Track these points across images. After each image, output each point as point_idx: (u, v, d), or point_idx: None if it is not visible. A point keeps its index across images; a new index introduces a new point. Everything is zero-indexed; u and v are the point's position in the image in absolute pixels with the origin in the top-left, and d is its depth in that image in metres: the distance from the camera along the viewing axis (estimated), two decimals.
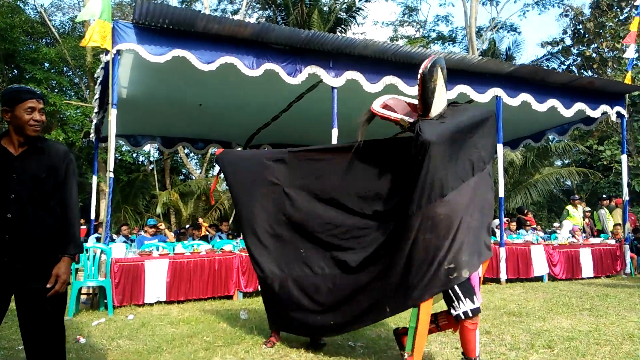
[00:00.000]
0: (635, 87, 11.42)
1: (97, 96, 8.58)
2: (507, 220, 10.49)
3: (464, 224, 2.99)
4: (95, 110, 9.15)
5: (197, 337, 4.31)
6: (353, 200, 3.50)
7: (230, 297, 6.68)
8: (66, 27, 20.53)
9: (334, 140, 7.44)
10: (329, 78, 7.41)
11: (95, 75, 8.09)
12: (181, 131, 11.56)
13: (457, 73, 8.12)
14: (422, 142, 2.97)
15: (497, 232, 8.61)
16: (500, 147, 8.65)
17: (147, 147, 18.26)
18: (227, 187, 4.04)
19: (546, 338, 4.05)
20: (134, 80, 7.88)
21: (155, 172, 21.27)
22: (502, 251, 8.21)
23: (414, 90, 7.68)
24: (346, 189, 3.56)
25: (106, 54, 6.76)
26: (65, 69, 19.65)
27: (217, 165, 4.32)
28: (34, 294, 2.26)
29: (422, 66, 3.12)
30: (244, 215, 3.91)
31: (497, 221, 8.75)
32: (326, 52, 7.37)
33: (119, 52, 6.50)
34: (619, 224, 10.04)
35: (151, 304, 6.18)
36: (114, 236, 9.27)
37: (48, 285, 2.26)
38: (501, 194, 8.66)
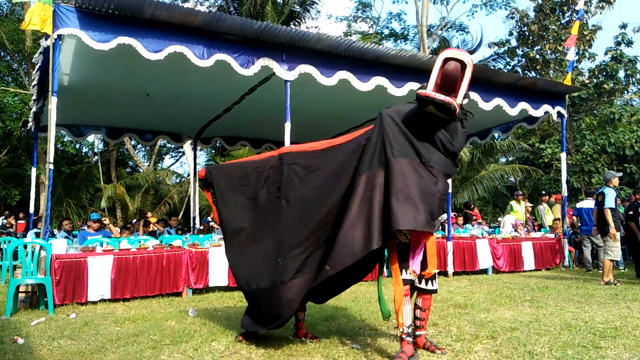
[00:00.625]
0: (574, 88, 12.04)
1: (35, 82, 8.10)
2: (454, 215, 10.82)
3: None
4: (34, 97, 8.66)
5: (143, 335, 4.17)
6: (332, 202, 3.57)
7: (179, 294, 6.52)
8: (4, 9, 19.30)
9: (287, 134, 7.38)
10: (282, 71, 7.34)
11: (34, 60, 7.63)
12: (128, 122, 11.12)
13: (408, 70, 8.25)
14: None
15: (446, 226, 8.86)
16: None
17: (90, 138, 17.54)
18: (216, 201, 4.04)
19: (490, 329, 4.20)
20: (76, 67, 7.50)
21: (100, 164, 20.45)
22: (450, 245, 8.46)
23: (367, 85, 7.82)
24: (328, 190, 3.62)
25: (46, 39, 6.39)
26: (2, 53, 18.51)
27: (201, 181, 4.30)
28: None
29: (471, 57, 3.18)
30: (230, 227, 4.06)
31: (445, 216, 9.00)
32: (279, 44, 7.29)
33: (60, 37, 6.16)
34: (559, 219, 10.57)
35: (95, 302, 5.93)
36: (55, 231, 8.81)
37: None
38: (449, 189, 8.90)
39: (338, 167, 3.62)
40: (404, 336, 3.31)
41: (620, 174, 8.10)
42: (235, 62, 6.99)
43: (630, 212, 8.27)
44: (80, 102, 9.17)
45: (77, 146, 20.14)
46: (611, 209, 7.39)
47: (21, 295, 6.03)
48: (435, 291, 3.54)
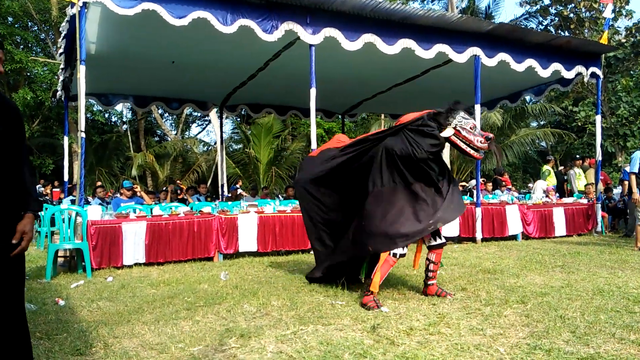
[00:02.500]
0: (610, 47, 11.49)
1: (61, 50, 8.16)
2: (483, 181, 10.66)
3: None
4: (62, 66, 8.76)
5: (178, 297, 4.31)
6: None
7: (210, 259, 6.68)
8: None
9: (312, 101, 7.32)
10: (306, 35, 7.21)
11: (60, 29, 7.69)
12: (154, 90, 11.22)
13: (436, 31, 8.01)
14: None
15: (474, 192, 8.75)
16: (477, 107, 8.66)
17: (119, 107, 17.81)
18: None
19: (520, 294, 4.17)
20: (102, 35, 7.53)
21: (129, 133, 20.81)
22: (478, 211, 8.37)
23: (393, 48, 7.64)
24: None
25: (72, 7, 6.42)
26: (30, 23, 18.73)
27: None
28: None
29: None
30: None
31: (473, 182, 8.87)
32: (303, 7, 7.14)
33: (85, 4, 6.18)
34: (592, 184, 10.30)
35: (130, 266, 6.14)
36: (89, 199, 9.09)
37: (14, 241, 2.15)
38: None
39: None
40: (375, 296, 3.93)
41: None
42: (258, 28, 6.91)
43: None
44: (108, 71, 9.26)
45: (107, 115, 20.50)
46: (636, 173, 7.12)
47: (60, 260, 6.28)
48: (445, 244, 4.26)
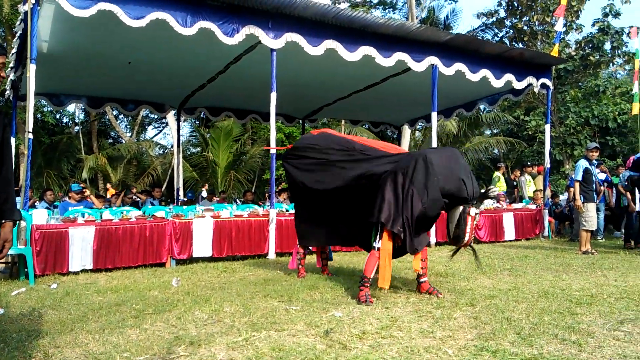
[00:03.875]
0: (560, 59, 12.03)
1: (14, 50, 7.85)
2: None
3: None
4: (12, 65, 8.38)
5: (125, 305, 4.17)
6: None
7: (162, 265, 6.52)
8: None
9: (272, 105, 7.30)
10: (267, 39, 7.19)
11: (15, 29, 7.36)
12: (109, 91, 10.89)
13: (396, 40, 8.16)
14: None
15: None
16: (434, 115, 8.86)
17: (71, 107, 17.20)
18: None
19: (469, 297, 4.28)
20: (56, 33, 7.26)
21: (80, 135, 20.09)
22: None
23: (354, 55, 7.72)
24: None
25: (24, 4, 6.16)
26: None
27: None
28: None
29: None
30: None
31: None
32: (265, 11, 7.13)
33: (38, 1, 5.94)
34: (540, 190, 10.72)
35: (76, 273, 5.91)
36: (37, 203, 8.70)
37: None
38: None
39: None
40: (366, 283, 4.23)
41: (596, 145, 8.07)
42: (219, 30, 6.84)
43: (627, 182, 8.35)
44: (60, 70, 8.93)
45: (58, 116, 19.75)
46: (579, 181, 7.49)
47: (0, 266, 5.97)
48: (429, 243, 4.53)
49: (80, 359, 2.84)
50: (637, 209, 8.14)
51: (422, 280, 4.49)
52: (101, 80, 9.98)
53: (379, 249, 4.17)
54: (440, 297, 4.27)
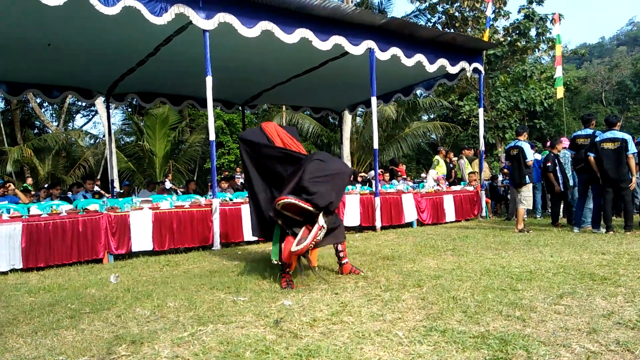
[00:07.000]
0: (491, 44, 12.47)
1: None
2: (381, 172, 11.06)
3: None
4: None
5: (60, 305, 3.89)
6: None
7: (99, 261, 6.16)
8: None
9: (209, 90, 7.03)
10: (199, 20, 6.89)
11: None
12: (30, 76, 10.10)
13: (332, 23, 8.10)
14: None
15: (373, 182, 9.02)
16: (374, 100, 8.91)
17: None
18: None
19: (416, 278, 4.34)
20: None
21: (1, 125, 18.62)
22: (377, 200, 8.64)
23: (291, 37, 7.57)
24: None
25: None
26: None
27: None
28: None
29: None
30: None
31: (372, 173, 9.15)
32: None
33: None
34: (474, 172, 11.13)
35: (5, 273, 5.49)
36: None
37: None
38: (375, 146, 8.99)
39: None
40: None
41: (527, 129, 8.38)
42: (145, 9, 6.46)
43: (548, 164, 8.76)
44: None
45: None
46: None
47: None
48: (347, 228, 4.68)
49: None
50: (562, 189, 8.61)
51: (343, 262, 4.68)
52: (20, 65, 9.22)
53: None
54: (362, 274, 4.52)
